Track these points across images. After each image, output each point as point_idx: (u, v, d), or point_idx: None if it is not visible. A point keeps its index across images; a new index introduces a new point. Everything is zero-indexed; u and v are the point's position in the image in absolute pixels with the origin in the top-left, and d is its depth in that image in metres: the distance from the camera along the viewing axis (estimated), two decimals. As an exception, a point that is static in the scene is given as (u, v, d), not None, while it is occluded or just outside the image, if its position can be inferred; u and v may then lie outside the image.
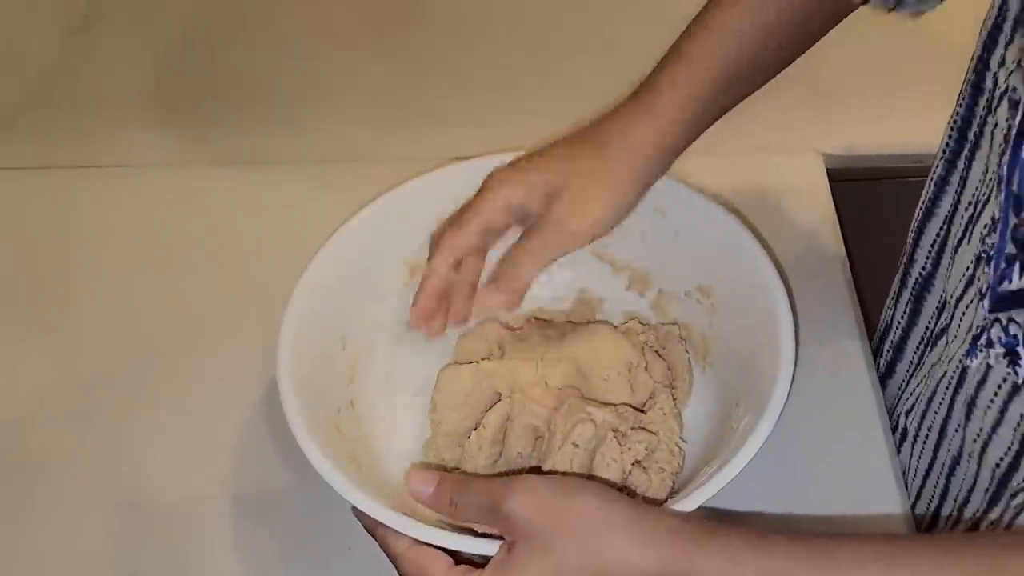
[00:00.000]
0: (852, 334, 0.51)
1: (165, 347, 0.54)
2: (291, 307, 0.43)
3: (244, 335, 0.53)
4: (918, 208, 0.45)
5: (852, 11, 0.43)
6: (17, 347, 0.55)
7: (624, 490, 0.41)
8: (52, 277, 0.60)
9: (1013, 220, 0.30)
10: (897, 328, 0.48)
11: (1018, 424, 0.34)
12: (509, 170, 0.43)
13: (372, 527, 0.36)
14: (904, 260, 0.46)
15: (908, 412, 0.45)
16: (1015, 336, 0.32)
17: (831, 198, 0.60)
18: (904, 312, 0.47)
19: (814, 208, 0.59)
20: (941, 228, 0.42)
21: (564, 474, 0.40)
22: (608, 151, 0.42)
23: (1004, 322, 0.32)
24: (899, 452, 0.46)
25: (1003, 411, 0.35)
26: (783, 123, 0.61)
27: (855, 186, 0.64)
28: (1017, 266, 0.30)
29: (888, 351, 0.49)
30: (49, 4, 0.77)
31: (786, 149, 0.63)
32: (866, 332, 0.52)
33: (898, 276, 0.48)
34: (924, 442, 0.43)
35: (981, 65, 0.38)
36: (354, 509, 0.36)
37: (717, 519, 0.32)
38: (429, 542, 0.34)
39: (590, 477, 0.41)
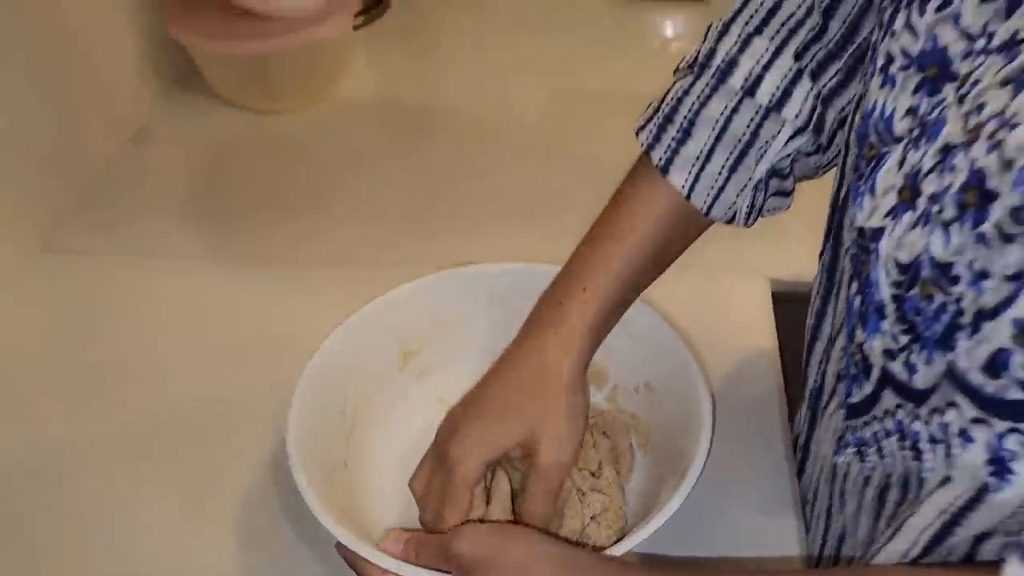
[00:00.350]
0: (775, 437, 0.60)
1: (183, 420, 0.63)
2: (300, 384, 0.52)
3: (257, 408, 0.62)
4: (805, 334, 0.54)
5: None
6: (45, 407, 0.65)
7: (582, 539, 0.49)
8: (88, 347, 0.69)
9: (851, 346, 0.39)
10: (802, 433, 0.57)
11: (874, 509, 0.43)
12: (474, 439, 0.47)
13: (352, 560, 0.44)
14: (803, 376, 0.56)
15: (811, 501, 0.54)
16: (862, 438, 0.40)
17: (773, 317, 0.70)
18: (805, 420, 0.56)
19: (757, 326, 0.69)
20: (824, 350, 0.51)
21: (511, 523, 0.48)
22: (546, 383, 0.48)
23: (857, 427, 0.41)
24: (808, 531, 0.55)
25: (861, 498, 0.44)
26: (733, 247, 0.71)
27: (798, 307, 0.73)
28: (858, 382, 0.39)
29: (799, 452, 0.58)
30: (117, 115, 0.90)
31: (735, 270, 0.73)
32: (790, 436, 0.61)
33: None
34: (820, 521, 0.52)
35: (839, 216, 0.48)
36: (337, 545, 0.45)
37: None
38: (398, 572, 0.43)
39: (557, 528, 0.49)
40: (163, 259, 0.76)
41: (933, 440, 0.33)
